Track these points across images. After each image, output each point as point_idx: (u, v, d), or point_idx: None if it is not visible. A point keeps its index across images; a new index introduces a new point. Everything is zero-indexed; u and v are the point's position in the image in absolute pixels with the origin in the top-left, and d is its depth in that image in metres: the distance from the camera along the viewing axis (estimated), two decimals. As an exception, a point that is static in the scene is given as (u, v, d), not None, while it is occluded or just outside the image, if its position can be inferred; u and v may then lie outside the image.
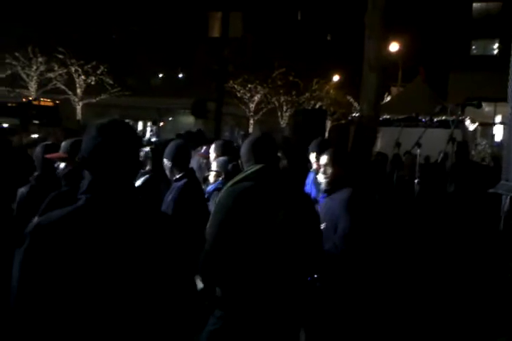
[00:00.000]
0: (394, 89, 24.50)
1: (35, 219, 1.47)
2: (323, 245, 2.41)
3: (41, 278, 1.34)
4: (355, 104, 24.89)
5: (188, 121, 26.28)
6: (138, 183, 4.50)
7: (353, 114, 17.16)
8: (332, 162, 2.84)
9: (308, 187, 3.70)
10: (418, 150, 5.29)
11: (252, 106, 27.72)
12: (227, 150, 3.92)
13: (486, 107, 21.09)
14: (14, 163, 4.80)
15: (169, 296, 1.47)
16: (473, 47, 27.97)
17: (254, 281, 2.07)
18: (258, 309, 2.07)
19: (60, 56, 24.24)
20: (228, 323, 2.09)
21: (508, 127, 5.21)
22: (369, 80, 7.26)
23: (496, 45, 26.52)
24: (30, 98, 21.49)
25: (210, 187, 3.67)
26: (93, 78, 24.95)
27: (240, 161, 2.42)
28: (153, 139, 24.41)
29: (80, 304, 1.35)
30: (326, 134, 14.99)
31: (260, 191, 2.14)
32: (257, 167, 2.19)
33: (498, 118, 22.40)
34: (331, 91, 28.82)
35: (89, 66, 24.60)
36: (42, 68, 24.62)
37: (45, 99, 20.85)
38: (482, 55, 26.89)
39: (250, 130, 27.25)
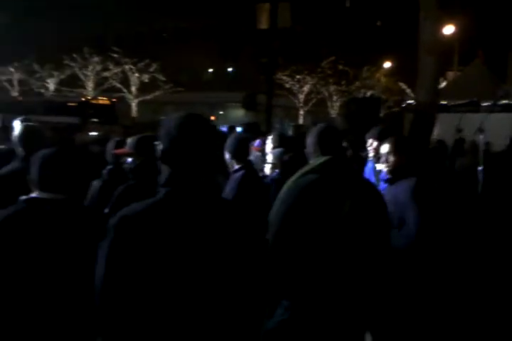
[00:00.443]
0: (450, 74, 23.49)
1: (120, 212, 1.48)
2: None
3: (125, 268, 1.38)
4: (408, 91, 24.12)
5: (238, 114, 26.50)
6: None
7: (408, 101, 16.63)
8: (394, 150, 2.76)
9: (367, 176, 3.65)
10: (481, 137, 5.07)
11: (301, 97, 27.54)
12: (284, 142, 3.93)
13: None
14: (87, 159, 5.09)
15: (242, 287, 1.49)
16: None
17: (321, 274, 2.05)
18: (325, 302, 2.05)
19: (115, 55, 25.15)
20: (296, 314, 2.08)
21: None
22: (426, 64, 6.99)
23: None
24: (89, 97, 22.45)
25: (266, 179, 3.69)
26: (146, 76, 25.70)
27: (304, 152, 2.39)
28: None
29: (161, 294, 1.39)
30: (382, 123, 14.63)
31: (326, 183, 2.11)
32: (324, 159, 2.16)
33: None
34: (382, 78, 28.07)
35: (142, 64, 25.36)
36: (98, 68, 25.67)
37: (102, 98, 21.66)
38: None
39: (300, 121, 27.12)
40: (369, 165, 3.61)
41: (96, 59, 25.50)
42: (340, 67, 25.72)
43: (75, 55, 25.29)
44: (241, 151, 3.58)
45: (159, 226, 1.41)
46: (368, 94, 26.92)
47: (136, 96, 26.71)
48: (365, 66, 26.79)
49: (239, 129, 7.70)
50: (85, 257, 1.82)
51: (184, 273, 1.41)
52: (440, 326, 2.88)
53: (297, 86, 26.98)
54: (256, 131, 6.31)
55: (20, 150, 3.03)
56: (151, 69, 25.57)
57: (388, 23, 30.52)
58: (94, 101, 20.56)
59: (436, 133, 11.49)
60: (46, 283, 1.79)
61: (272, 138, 4.11)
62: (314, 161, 2.20)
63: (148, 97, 26.39)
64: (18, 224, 1.80)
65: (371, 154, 3.50)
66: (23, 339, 1.77)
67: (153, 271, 1.39)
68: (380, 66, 28.84)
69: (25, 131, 3.16)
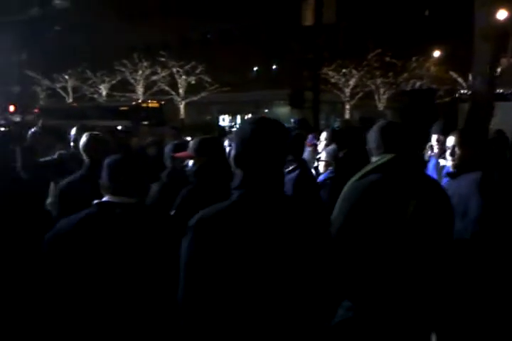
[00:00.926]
0: (504, 61, 22.38)
1: (198, 213, 1.55)
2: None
3: (205, 268, 1.44)
4: (460, 80, 23.18)
5: (283, 111, 26.44)
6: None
7: (461, 91, 15.98)
8: (460, 143, 2.65)
9: (429, 173, 3.54)
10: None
11: (347, 91, 27.08)
12: (338, 139, 3.87)
13: None
14: (145, 162, 5.23)
15: (315, 286, 1.51)
16: None
17: (384, 274, 2.01)
18: (389, 303, 2.01)
19: (162, 59, 25.78)
20: (360, 314, 2.04)
21: None
22: (482, 51, 6.71)
23: None
24: (139, 101, 23.14)
25: (320, 177, 3.63)
26: (193, 78, 26.17)
27: (358, 148, 2.36)
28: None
29: (239, 292, 1.43)
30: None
31: (390, 183, 2.04)
32: (388, 157, 2.07)
33: None
34: (432, 68, 27.10)
35: (188, 66, 25.84)
36: (147, 72, 26.41)
37: (152, 101, 22.27)
38: None
39: (346, 116, 26.70)
40: (431, 161, 3.50)
41: (145, 64, 26.25)
42: (387, 58, 25.07)
43: (125, 61, 26.15)
44: (296, 150, 3.55)
45: (236, 227, 1.45)
46: (417, 85, 26.07)
47: (184, 98, 27.24)
48: (413, 56, 25.95)
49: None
50: (155, 258, 1.93)
51: (260, 272, 1.44)
52: (508, 325, 2.75)
53: (343, 80, 26.54)
54: (307, 127, 6.28)
55: (86, 159, 3.16)
56: (197, 71, 26.01)
57: (437, 11, 29.43)
58: (144, 105, 21.20)
59: (494, 122, 11.00)
60: (117, 282, 1.87)
61: (326, 135, 4.04)
62: (378, 159, 2.12)
63: (195, 98, 26.86)
64: (91, 226, 1.89)
65: (435, 150, 3.38)
66: (92, 338, 1.84)
67: (232, 270, 1.43)
68: (429, 56, 27.87)
69: (90, 141, 3.32)
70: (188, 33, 29.86)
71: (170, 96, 26.51)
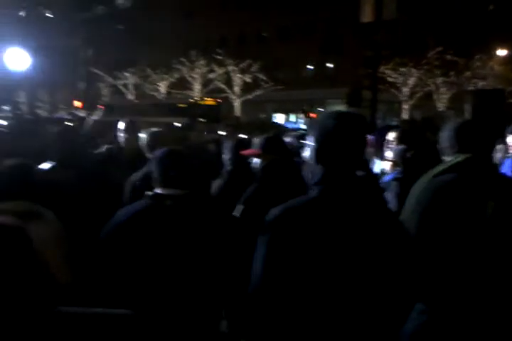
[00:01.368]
0: None
1: (275, 209, 1.55)
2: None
3: (283, 263, 1.44)
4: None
5: (338, 110, 26.07)
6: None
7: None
8: None
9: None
10: None
11: (405, 90, 26.35)
12: (406, 139, 3.81)
13: None
14: (204, 158, 5.38)
15: (392, 285, 1.50)
16: None
17: (461, 277, 1.93)
18: (467, 307, 1.92)
19: (219, 57, 26.21)
20: (434, 318, 1.97)
21: None
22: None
23: None
24: (196, 98, 23.68)
25: (386, 178, 3.60)
26: (248, 76, 26.42)
27: (427, 148, 2.30)
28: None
29: (316, 288, 1.43)
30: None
31: (466, 183, 1.95)
32: (463, 157, 1.98)
33: None
34: (496, 67, 25.81)
35: (244, 64, 26.11)
36: (204, 70, 26.95)
37: (209, 99, 22.72)
38: None
39: (404, 116, 25.99)
40: (506, 162, 3.41)
41: (202, 62, 26.81)
42: (449, 57, 24.15)
43: (183, 59, 26.83)
44: None
45: (315, 223, 1.45)
46: (480, 85, 24.93)
47: (239, 96, 27.56)
48: (476, 55, 24.84)
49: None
50: (203, 248, 2.00)
51: (337, 269, 1.44)
52: None
53: (401, 79, 25.85)
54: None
55: (148, 154, 3.28)
56: (253, 69, 26.23)
57: (502, 6, 27.97)
58: (201, 102, 21.66)
59: None
60: (166, 269, 1.93)
61: (396, 135, 3.99)
62: (452, 159, 2.03)
63: (250, 96, 27.10)
64: (143, 216, 1.99)
65: (510, 150, 3.30)
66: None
67: (309, 266, 1.43)
68: (493, 54, 26.57)
69: (152, 137, 3.47)
70: (245, 30, 30.14)
71: (225, 94, 26.90)
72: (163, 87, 29.68)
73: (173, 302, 1.93)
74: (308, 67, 31.11)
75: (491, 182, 2.00)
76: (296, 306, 1.45)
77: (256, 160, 3.12)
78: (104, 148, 4.17)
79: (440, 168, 2.05)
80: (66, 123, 6.49)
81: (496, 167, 2.19)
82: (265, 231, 1.51)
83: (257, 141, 3.18)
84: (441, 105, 26.45)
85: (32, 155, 2.92)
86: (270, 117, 30.23)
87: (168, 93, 28.96)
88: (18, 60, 19.40)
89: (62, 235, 0.96)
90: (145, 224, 1.98)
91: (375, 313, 1.48)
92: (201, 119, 19.18)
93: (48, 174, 2.92)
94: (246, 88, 27.16)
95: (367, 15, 11.66)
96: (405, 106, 26.64)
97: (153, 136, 3.48)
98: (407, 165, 3.36)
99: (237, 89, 27.46)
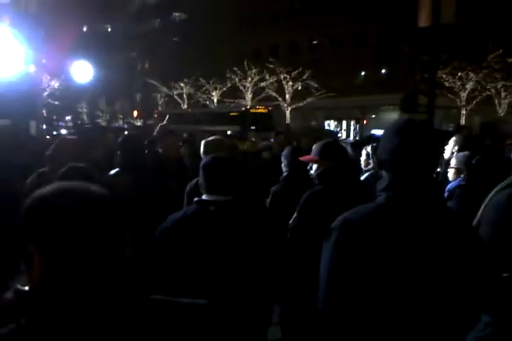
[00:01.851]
0: None
1: (342, 215, 1.53)
2: None
3: (349, 270, 1.42)
4: None
5: (391, 117, 25.53)
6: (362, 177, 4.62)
7: None
8: None
9: None
10: None
11: (463, 95, 25.39)
12: (469, 145, 3.69)
13: None
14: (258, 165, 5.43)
15: (463, 295, 1.44)
16: None
17: None
18: None
19: (271, 66, 26.44)
20: (497, 332, 1.90)
21: None
22: None
23: None
24: (248, 107, 23.99)
25: (450, 185, 3.50)
26: (299, 83, 26.46)
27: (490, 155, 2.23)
28: (357, 138, 24.49)
29: (383, 295, 1.40)
30: None
31: None
32: None
33: None
34: None
35: (295, 72, 26.19)
36: (255, 79, 27.27)
37: (260, 107, 22.95)
38: None
39: (462, 122, 25.02)
40: None
41: (254, 70, 27.16)
42: (510, 60, 23.05)
43: (235, 68, 27.30)
44: None
45: (382, 230, 1.42)
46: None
47: (290, 104, 27.63)
48: (541, 57, 23.54)
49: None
50: (246, 253, 2.05)
51: (406, 278, 1.40)
52: None
53: (459, 83, 24.95)
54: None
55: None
56: (304, 77, 26.24)
57: None
58: (253, 111, 21.92)
59: None
60: (210, 273, 1.99)
61: (456, 140, 3.88)
62: None
63: (301, 104, 27.10)
64: (189, 221, 2.09)
65: None
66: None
67: (376, 273, 1.40)
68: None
69: (206, 145, 3.56)
70: (296, 39, 30.26)
71: (277, 102, 27.05)
72: (215, 96, 30.30)
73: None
74: (361, 73, 30.73)
75: None
76: (363, 313, 1.43)
77: (314, 166, 3.13)
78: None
79: None
80: (127, 132, 6.82)
81: None
82: (331, 237, 1.49)
83: (315, 147, 3.19)
84: (501, 110, 25.25)
85: (94, 162, 3.08)
86: (322, 124, 30.06)
87: (221, 102, 29.51)
88: (83, 72, 20.49)
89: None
90: (190, 228, 2.06)
91: (443, 321, 1.44)
92: (253, 127, 19.37)
93: (112, 178, 3.09)
94: (297, 96, 27.17)
95: (424, 20, 11.36)
96: (463, 112, 25.64)
97: (205, 144, 3.56)
98: (472, 172, 3.25)
99: (288, 96, 27.54)
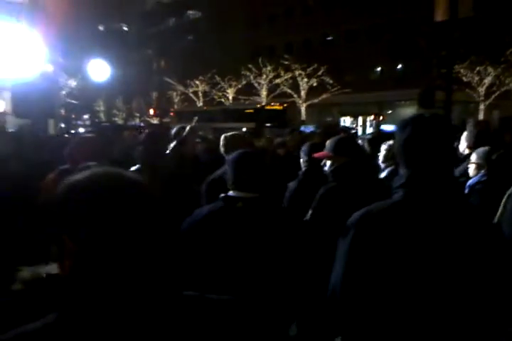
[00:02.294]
0: None
1: (359, 212, 1.51)
2: None
3: (365, 265, 1.41)
4: None
5: (407, 112, 25.21)
6: (383, 175, 4.59)
7: None
8: None
9: None
10: None
11: (481, 90, 24.97)
12: (484, 140, 3.64)
13: None
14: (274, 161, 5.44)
15: (483, 296, 1.40)
16: None
17: None
18: None
19: (286, 62, 26.37)
20: None
21: None
22: None
23: None
24: (263, 104, 23.98)
25: (471, 181, 3.44)
26: (315, 80, 26.33)
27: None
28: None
29: (399, 292, 1.38)
30: None
31: None
32: None
33: None
34: None
35: (310, 69, 26.07)
36: (270, 76, 27.23)
37: (275, 104, 22.93)
38: None
39: (480, 117, 24.63)
40: None
41: (268, 67, 27.12)
42: (529, 54, 22.57)
43: (249, 65, 27.30)
44: None
45: (399, 226, 1.40)
46: None
47: (305, 100, 27.53)
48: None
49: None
50: (271, 250, 2.02)
51: (422, 275, 1.39)
52: None
53: (477, 78, 24.54)
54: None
55: (226, 156, 3.42)
56: (319, 73, 26.11)
57: None
58: (268, 108, 21.91)
59: None
60: (234, 270, 1.97)
61: (467, 136, 3.83)
62: None
63: (316, 100, 26.98)
64: (216, 217, 2.05)
65: None
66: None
67: (392, 269, 1.39)
68: None
69: (227, 140, 3.57)
70: (310, 35, 30.10)
71: (292, 99, 26.96)
72: (230, 93, 30.35)
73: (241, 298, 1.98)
74: (377, 68, 30.44)
75: None
76: (378, 309, 1.42)
77: (328, 163, 3.12)
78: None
79: None
80: (147, 130, 6.91)
81: None
82: (347, 233, 1.48)
83: (328, 142, 3.18)
84: (521, 105, 24.74)
85: (112, 160, 3.13)
86: (337, 121, 29.92)
87: (236, 99, 29.55)
88: (100, 71, 20.71)
89: None
90: (217, 224, 2.04)
91: (462, 321, 1.40)
92: (268, 124, 19.35)
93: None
94: (312, 92, 27.05)
95: (441, 14, 11.21)
96: (481, 107, 25.23)
97: (224, 140, 3.58)
98: (492, 168, 3.19)
99: (303, 93, 27.43)
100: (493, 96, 24.76)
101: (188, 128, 3.95)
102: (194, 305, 0.90)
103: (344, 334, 1.55)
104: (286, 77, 26.89)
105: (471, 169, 3.40)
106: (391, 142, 4.40)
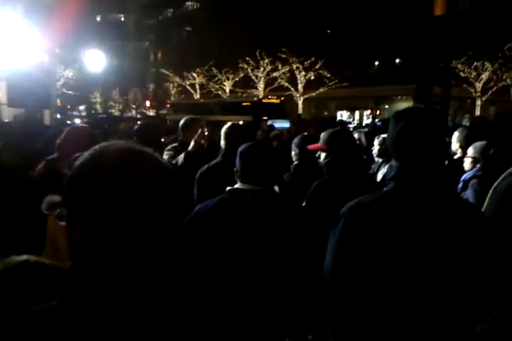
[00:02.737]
0: None
1: (350, 203, 1.53)
2: None
3: (354, 255, 1.43)
4: None
5: (404, 107, 25.19)
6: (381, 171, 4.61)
7: None
8: None
9: None
10: None
11: (478, 85, 24.99)
12: (473, 136, 3.66)
13: None
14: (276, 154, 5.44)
15: (468, 288, 1.42)
16: None
17: None
18: None
19: (283, 55, 26.27)
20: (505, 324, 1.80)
21: None
22: None
23: None
24: (260, 97, 23.92)
25: (466, 175, 3.45)
26: (312, 73, 26.26)
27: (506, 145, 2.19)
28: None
29: (387, 283, 1.40)
30: None
31: None
32: None
33: None
34: None
35: (308, 62, 25.98)
36: (268, 69, 27.13)
37: (272, 97, 22.88)
38: None
39: (477, 112, 24.66)
40: None
41: (266, 60, 27.01)
42: (528, 49, 22.56)
43: (247, 58, 27.17)
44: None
45: (388, 218, 1.42)
46: None
47: (302, 94, 27.47)
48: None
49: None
50: (280, 242, 2.01)
51: (411, 264, 1.40)
52: None
53: (474, 74, 24.53)
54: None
55: (223, 146, 3.39)
56: (317, 67, 26.04)
57: None
58: (265, 101, 21.85)
59: None
60: (244, 260, 1.97)
61: (459, 137, 3.84)
62: None
63: (313, 94, 26.93)
64: (224, 210, 2.03)
65: None
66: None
67: (380, 260, 1.41)
68: None
69: (228, 129, 3.55)
70: (309, 28, 29.94)
71: (289, 92, 26.90)
72: (227, 86, 30.24)
73: (248, 292, 1.96)
74: (374, 63, 30.37)
75: None
76: (368, 299, 1.44)
77: (322, 155, 3.12)
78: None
79: None
80: (140, 122, 6.91)
81: None
82: (338, 223, 1.50)
83: (323, 135, 3.16)
84: (518, 101, 24.78)
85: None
86: (334, 115, 29.90)
87: (233, 92, 29.44)
88: (96, 61, 20.58)
89: None
90: (224, 217, 2.01)
91: (447, 312, 1.42)
92: (265, 117, 19.30)
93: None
94: (309, 85, 26.99)
95: (440, 8, 11.20)
96: (478, 103, 25.26)
97: (226, 131, 3.55)
98: (489, 162, 3.21)
99: (300, 86, 27.37)
100: (490, 92, 24.78)
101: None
102: (194, 294, 0.87)
103: (334, 325, 1.56)
104: (283, 71, 26.80)
105: (467, 163, 3.41)
106: (384, 136, 4.42)
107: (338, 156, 2.94)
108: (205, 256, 2.00)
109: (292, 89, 27.30)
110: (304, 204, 3.02)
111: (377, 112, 28.19)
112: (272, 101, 21.99)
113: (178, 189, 0.85)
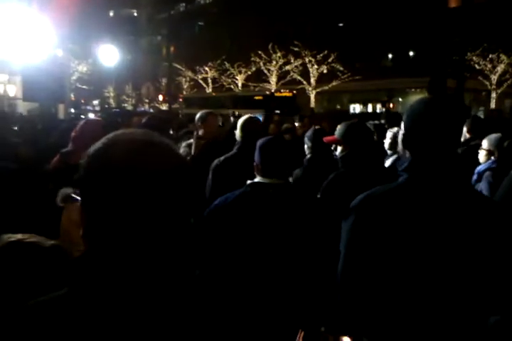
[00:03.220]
0: None
1: (361, 195, 1.51)
2: None
3: (366, 248, 1.41)
4: None
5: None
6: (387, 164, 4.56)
7: None
8: None
9: None
10: None
11: (493, 78, 24.57)
12: (480, 128, 3.60)
13: None
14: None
15: (482, 283, 1.38)
16: None
17: None
18: None
19: (296, 49, 26.11)
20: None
21: None
22: None
23: None
24: (272, 90, 23.83)
25: (480, 167, 3.41)
26: (325, 67, 26.07)
27: None
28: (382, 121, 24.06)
29: (399, 276, 1.38)
30: None
31: None
32: None
33: None
34: None
35: (321, 55, 25.79)
36: (280, 62, 26.99)
37: (284, 91, 22.77)
38: None
39: (492, 105, 24.29)
40: None
41: (279, 54, 26.87)
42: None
43: (259, 52, 27.06)
44: None
45: (399, 209, 1.39)
46: None
47: (315, 87, 27.30)
48: None
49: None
50: (300, 235, 2.01)
51: (422, 257, 1.38)
52: None
53: (489, 66, 24.12)
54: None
55: (239, 138, 3.36)
56: (330, 60, 25.84)
57: None
58: (277, 94, 21.77)
59: None
60: (262, 253, 1.97)
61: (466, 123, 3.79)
62: None
63: (326, 87, 26.76)
64: (246, 204, 2.02)
65: None
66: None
67: (391, 252, 1.39)
68: None
69: (245, 123, 3.54)
70: (321, 21, 29.69)
71: (301, 86, 26.76)
72: (240, 79, 30.19)
73: (266, 283, 1.96)
74: (387, 55, 30.03)
75: None
76: (380, 293, 1.43)
77: (339, 148, 3.09)
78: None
79: None
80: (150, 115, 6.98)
81: None
82: (349, 216, 1.49)
83: (339, 127, 3.12)
84: (536, 93, 24.36)
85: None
86: (347, 108, 29.68)
87: (245, 86, 29.38)
88: (109, 56, 20.69)
89: None
90: (246, 211, 2.01)
91: (462, 303, 1.40)
92: (277, 111, 19.26)
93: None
94: (322, 79, 26.81)
95: (455, 0, 11.02)
96: (493, 95, 24.85)
97: (242, 123, 3.53)
98: (503, 155, 3.16)
99: (313, 80, 27.20)
100: (505, 85, 24.37)
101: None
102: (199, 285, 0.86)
103: (345, 317, 1.56)
104: (296, 64, 26.64)
105: (481, 155, 3.37)
106: (395, 129, 4.38)
107: (355, 150, 2.90)
108: (226, 247, 2.01)
109: (305, 82, 27.15)
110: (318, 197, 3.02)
111: (391, 105, 27.91)
112: (284, 94, 21.91)
113: (194, 183, 0.84)
